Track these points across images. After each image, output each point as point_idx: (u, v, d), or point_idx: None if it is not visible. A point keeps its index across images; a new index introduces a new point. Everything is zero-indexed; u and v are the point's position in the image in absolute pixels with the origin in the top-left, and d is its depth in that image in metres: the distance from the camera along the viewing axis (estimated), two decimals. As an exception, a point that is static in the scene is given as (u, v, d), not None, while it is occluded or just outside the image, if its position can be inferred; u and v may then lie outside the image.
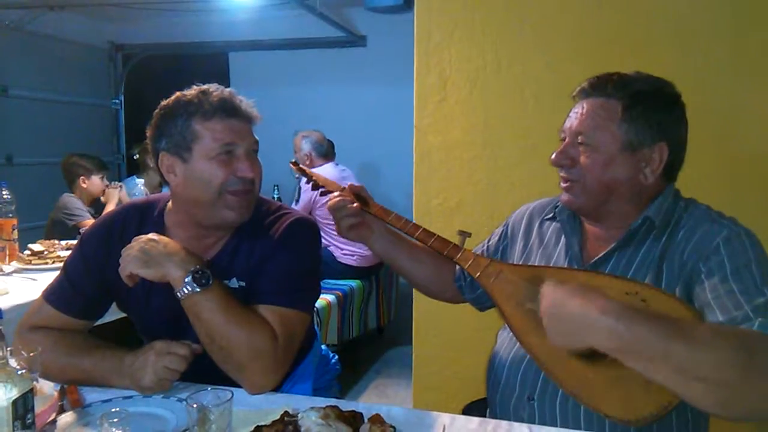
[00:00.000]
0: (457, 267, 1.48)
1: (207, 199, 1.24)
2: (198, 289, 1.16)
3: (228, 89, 1.28)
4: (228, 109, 1.24)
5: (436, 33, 2.04)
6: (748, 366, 0.87)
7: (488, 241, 1.50)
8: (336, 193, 1.44)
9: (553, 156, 1.21)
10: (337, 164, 4.08)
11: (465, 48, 2.02)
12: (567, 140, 1.21)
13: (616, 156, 1.16)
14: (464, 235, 1.35)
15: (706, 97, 1.82)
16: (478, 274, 1.26)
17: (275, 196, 4.31)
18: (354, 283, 3.83)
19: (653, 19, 1.85)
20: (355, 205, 1.40)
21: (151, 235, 1.22)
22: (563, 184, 1.22)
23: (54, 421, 1.04)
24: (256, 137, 1.29)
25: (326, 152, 4.10)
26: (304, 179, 1.53)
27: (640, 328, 0.90)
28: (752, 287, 1.01)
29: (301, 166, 1.55)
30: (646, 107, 1.16)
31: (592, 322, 0.92)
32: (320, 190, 1.51)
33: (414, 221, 1.42)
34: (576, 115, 1.20)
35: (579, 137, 1.18)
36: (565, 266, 1.25)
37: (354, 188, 1.45)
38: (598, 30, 1.89)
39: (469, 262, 1.29)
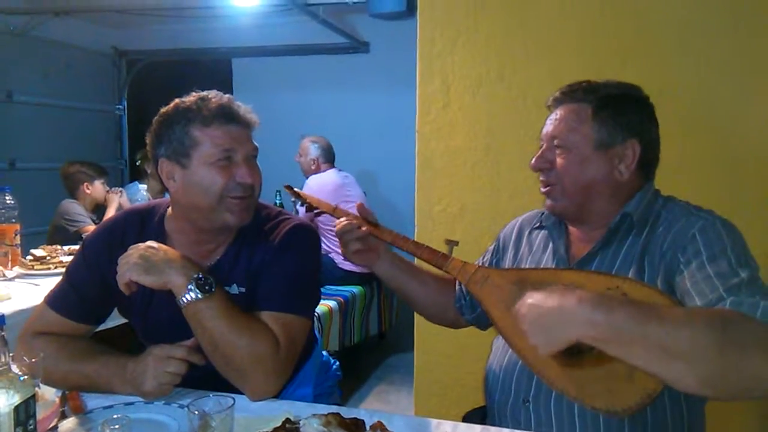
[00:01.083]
0: (457, 288, 1.53)
1: (207, 204, 1.24)
2: (200, 296, 1.16)
3: (227, 95, 1.28)
4: (226, 115, 1.24)
5: (439, 40, 2.05)
6: (721, 341, 0.90)
7: (483, 258, 1.53)
8: (343, 219, 1.45)
9: (533, 161, 1.28)
10: (339, 170, 4.09)
11: (468, 54, 2.02)
12: (544, 145, 1.28)
13: (589, 155, 1.22)
14: (452, 243, 1.38)
15: (708, 101, 1.82)
16: (467, 281, 1.30)
17: (277, 201, 4.31)
18: (355, 289, 3.82)
19: (655, 25, 1.86)
20: (364, 228, 1.41)
21: (150, 243, 1.22)
22: (543, 189, 1.28)
23: (55, 428, 1.04)
24: (255, 143, 1.30)
25: (331, 159, 4.12)
26: (299, 203, 1.56)
27: (617, 315, 0.93)
28: (727, 270, 1.05)
29: (296, 189, 1.58)
30: (615, 108, 1.23)
31: (570, 313, 0.96)
32: (315, 211, 1.54)
33: (413, 232, 1.43)
34: (551, 121, 1.27)
35: (555, 141, 1.25)
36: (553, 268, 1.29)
37: (363, 211, 1.45)
38: (601, 37, 1.90)
39: (458, 270, 1.32)
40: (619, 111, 1.22)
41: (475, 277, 1.28)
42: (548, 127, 1.27)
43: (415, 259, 1.47)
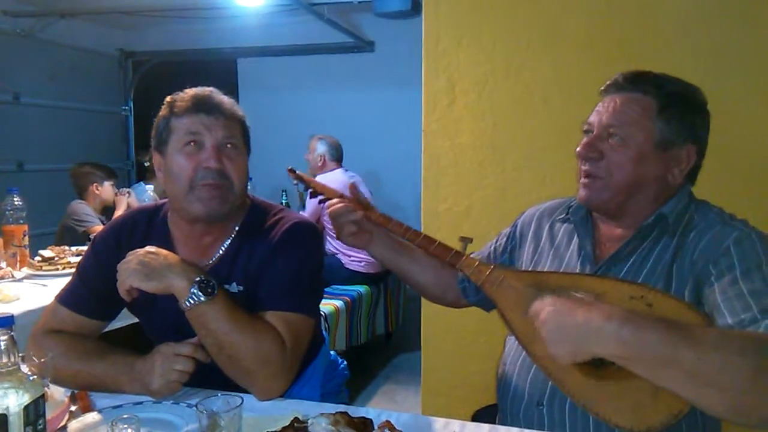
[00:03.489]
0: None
1: (180, 192, 1.26)
2: (203, 298, 1.16)
3: (209, 89, 1.31)
4: (198, 105, 1.27)
5: (444, 38, 2.04)
6: (756, 369, 0.85)
7: (496, 242, 1.48)
8: (336, 200, 1.43)
9: (580, 148, 1.18)
10: (346, 170, 4.09)
11: (473, 52, 2.02)
12: (595, 133, 1.18)
13: (648, 153, 1.14)
14: (466, 240, 1.33)
15: (716, 99, 1.80)
16: (481, 281, 1.23)
17: (283, 201, 4.31)
18: (362, 289, 3.82)
19: (661, 21, 1.85)
20: (357, 211, 1.40)
21: (149, 248, 1.22)
22: (584, 179, 1.20)
23: (65, 427, 1.04)
24: (232, 133, 1.28)
25: (339, 158, 4.12)
26: (303, 186, 1.53)
27: (646, 334, 0.88)
28: (762, 289, 1.00)
29: (298, 173, 1.54)
30: (682, 108, 1.16)
31: (596, 329, 0.90)
32: (319, 197, 1.51)
33: (416, 228, 1.41)
34: (607, 108, 1.17)
35: (610, 130, 1.16)
36: (578, 267, 1.24)
37: (355, 192, 1.44)
38: (606, 33, 1.89)
39: (471, 269, 1.26)
40: (685, 112, 1.16)
41: (490, 278, 1.21)
42: (603, 114, 1.17)
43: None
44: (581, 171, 1.20)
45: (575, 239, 1.28)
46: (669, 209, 1.16)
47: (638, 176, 1.15)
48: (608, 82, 1.21)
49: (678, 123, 1.15)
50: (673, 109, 1.15)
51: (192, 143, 1.25)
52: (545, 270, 1.29)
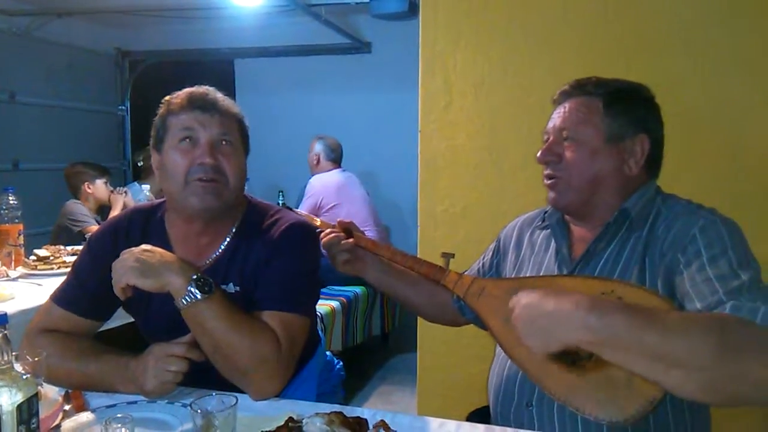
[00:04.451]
0: None
1: (176, 189, 1.26)
2: (199, 297, 1.15)
3: (206, 87, 1.32)
4: (192, 102, 1.28)
5: (441, 39, 2.05)
6: (720, 347, 0.88)
7: (483, 258, 1.52)
8: (328, 230, 1.48)
9: (539, 154, 1.26)
10: (343, 170, 4.09)
11: (470, 54, 2.02)
12: (551, 138, 1.26)
13: (600, 148, 1.21)
14: (448, 256, 1.38)
15: (712, 101, 1.82)
16: (464, 293, 1.29)
17: (280, 201, 4.31)
18: (358, 290, 3.82)
19: (658, 24, 1.85)
20: (350, 240, 1.45)
21: (145, 246, 1.21)
22: (548, 182, 1.26)
23: (58, 426, 1.04)
24: (226, 130, 1.28)
25: (336, 158, 4.11)
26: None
27: (612, 319, 0.92)
28: (728, 272, 1.03)
29: (292, 209, 1.60)
30: (626, 102, 1.23)
31: (565, 316, 0.94)
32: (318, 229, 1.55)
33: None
34: (559, 114, 1.26)
35: (564, 133, 1.23)
36: (555, 270, 1.28)
37: (343, 224, 1.50)
38: (604, 36, 1.89)
39: (454, 283, 1.31)
40: (629, 106, 1.22)
41: (472, 290, 1.27)
42: (556, 120, 1.26)
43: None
44: (544, 176, 1.26)
45: (552, 244, 1.32)
46: (631, 204, 1.20)
47: (595, 171, 1.21)
48: (558, 92, 1.28)
49: (624, 116, 1.21)
50: (618, 104, 1.21)
51: (187, 139, 1.26)
52: (525, 275, 1.33)
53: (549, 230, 1.35)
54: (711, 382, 0.89)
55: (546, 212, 1.37)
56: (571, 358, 1.02)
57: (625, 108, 1.21)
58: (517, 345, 1.08)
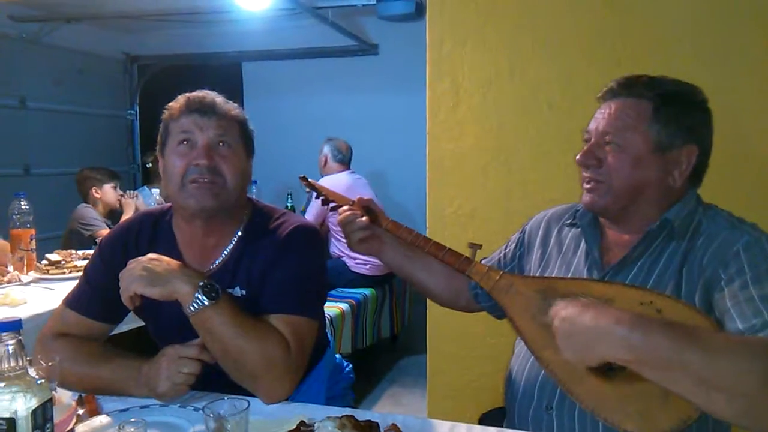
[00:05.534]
0: None
1: (175, 191, 1.29)
2: (207, 303, 1.16)
3: (205, 91, 1.33)
4: (191, 105, 1.29)
5: (448, 40, 2.05)
6: (766, 375, 0.85)
7: (505, 248, 1.48)
8: (345, 207, 1.43)
9: (579, 156, 1.19)
10: (352, 172, 4.09)
11: (477, 55, 2.02)
12: (593, 140, 1.19)
13: (645, 157, 1.14)
14: (475, 247, 1.32)
15: (722, 101, 1.80)
16: (491, 287, 1.23)
17: (288, 204, 4.32)
18: (367, 292, 3.82)
19: (667, 25, 1.84)
20: (364, 218, 1.38)
21: (151, 255, 1.22)
22: (586, 185, 1.20)
23: (72, 431, 1.04)
24: (223, 132, 1.29)
25: (344, 160, 4.10)
26: (315, 194, 1.53)
27: (655, 338, 0.88)
28: None
29: (310, 180, 1.55)
30: (678, 109, 1.14)
31: (605, 333, 0.91)
32: (330, 204, 1.50)
33: (424, 233, 1.40)
34: (603, 115, 1.18)
35: (607, 137, 1.16)
36: (585, 273, 1.23)
37: (363, 201, 1.43)
38: (611, 36, 1.89)
39: (481, 276, 1.25)
40: (682, 112, 1.15)
41: (499, 285, 1.21)
42: (600, 121, 1.18)
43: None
44: (583, 177, 1.21)
45: (582, 244, 1.27)
46: (673, 214, 1.15)
47: (638, 180, 1.15)
48: (604, 89, 1.21)
49: (674, 124, 1.14)
50: (669, 109, 1.14)
51: (185, 142, 1.28)
52: (553, 275, 1.29)
53: (579, 229, 1.29)
54: (752, 408, 0.86)
55: (578, 211, 1.30)
56: (604, 366, 0.98)
57: (676, 114, 1.14)
58: (545, 347, 1.06)
